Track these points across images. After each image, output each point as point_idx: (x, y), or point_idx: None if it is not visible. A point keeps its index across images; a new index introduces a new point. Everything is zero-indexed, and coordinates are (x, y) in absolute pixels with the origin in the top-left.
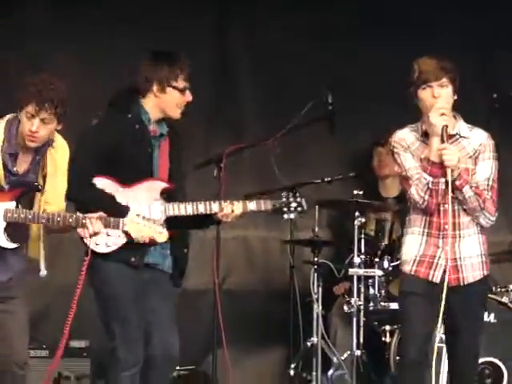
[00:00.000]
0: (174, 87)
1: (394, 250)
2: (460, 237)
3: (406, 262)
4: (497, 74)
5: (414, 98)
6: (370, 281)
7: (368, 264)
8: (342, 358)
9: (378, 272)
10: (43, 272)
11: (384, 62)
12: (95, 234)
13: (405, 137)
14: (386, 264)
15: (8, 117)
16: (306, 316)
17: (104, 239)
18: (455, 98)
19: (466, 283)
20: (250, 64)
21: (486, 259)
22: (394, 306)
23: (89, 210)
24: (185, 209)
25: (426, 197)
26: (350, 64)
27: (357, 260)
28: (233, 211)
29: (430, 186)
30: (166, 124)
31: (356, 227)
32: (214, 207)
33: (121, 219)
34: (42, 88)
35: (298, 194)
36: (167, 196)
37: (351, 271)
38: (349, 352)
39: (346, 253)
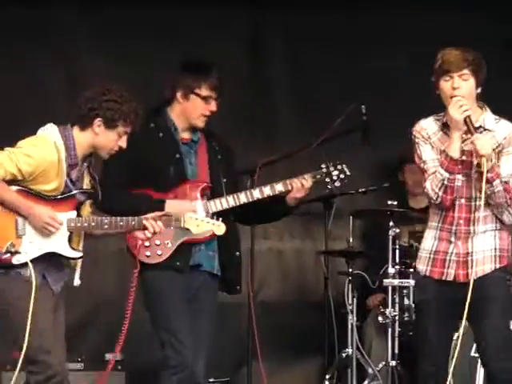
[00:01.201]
0: (197, 94)
1: None
2: (474, 232)
3: (421, 260)
4: None
5: (435, 89)
6: (405, 291)
7: (403, 274)
8: (377, 368)
9: (413, 282)
10: (77, 281)
11: (418, 73)
12: (155, 233)
13: (427, 127)
14: None
15: (58, 128)
16: (340, 327)
17: (154, 249)
18: (478, 91)
19: (475, 278)
20: (284, 75)
21: (502, 253)
22: None
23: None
24: (226, 202)
25: (440, 193)
26: (384, 74)
27: (391, 270)
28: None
29: (446, 182)
30: (212, 134)
31: (390, 237)
32: (256, 193)
33: (181, 217)
34: (134, 108)
35: (337, 161)
36: (211, 196)
37: (386, 282)
38: (384, 363)
39: (380, 263)
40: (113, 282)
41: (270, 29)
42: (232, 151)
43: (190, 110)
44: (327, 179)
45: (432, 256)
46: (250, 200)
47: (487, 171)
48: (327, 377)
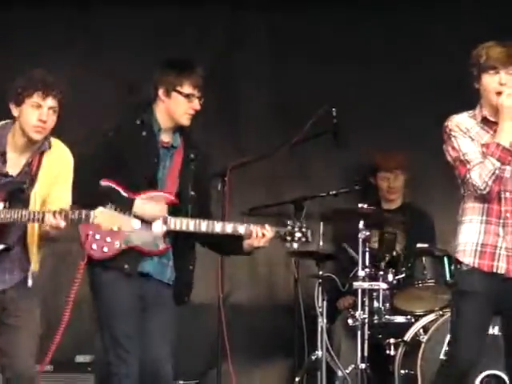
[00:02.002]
0: (179, 92)
1: (398, 263)
2: None
3: (466, 253)
4: None
5: (475, 82)
6: (375, 294)
7: (372, 277)
8: (347, 371)
9: (383, 285)
10: (30, 283)
11: (392, 76)
12: (53, 227)
13: (463, 121)
14: (390, 277)
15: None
16: (310, 330)
17: (101, 244)
18: None
19: None
20: (256, 76)
21: None
22: (399, 319)
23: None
24: (187, 225)
25: (490, 182)
26: (356, 77)
27: (361, 273)
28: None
29: (497, 172)
30: (192, 144)
31: (360, 240)
32: (217, 227)
33: (91, 212)
34: (45, 76)
35: (304, 225)
36: (173, 210)
37: (356, 285)
38: (353, 365)
39: (350, 266)
40: (82, 283)
41: (244, 36)
42: (207, 160)
43: (173, 109)
44: (288, 237)
45: (479, 249)
46: (210, 231)
47: None
48: (297, 379)
